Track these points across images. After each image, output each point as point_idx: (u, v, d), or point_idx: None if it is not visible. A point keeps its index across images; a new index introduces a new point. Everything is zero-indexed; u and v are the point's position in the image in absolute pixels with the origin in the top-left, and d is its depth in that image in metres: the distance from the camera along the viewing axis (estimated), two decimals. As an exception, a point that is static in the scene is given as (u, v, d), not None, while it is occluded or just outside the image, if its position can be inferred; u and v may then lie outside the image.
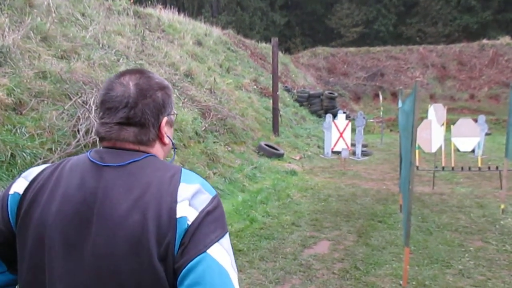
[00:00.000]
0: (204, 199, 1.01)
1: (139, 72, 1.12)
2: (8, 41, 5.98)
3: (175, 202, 0.97)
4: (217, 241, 0.97)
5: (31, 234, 1.02)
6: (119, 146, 1.06)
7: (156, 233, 0.94)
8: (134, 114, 1.05)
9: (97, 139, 1.14)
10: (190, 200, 0.98)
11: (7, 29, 6.28)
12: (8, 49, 5.89)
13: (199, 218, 0.97)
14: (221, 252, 0.96)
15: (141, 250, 0.94)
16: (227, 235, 1.01)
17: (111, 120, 1.05)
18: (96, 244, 0.97)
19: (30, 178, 1.08)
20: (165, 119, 1.11)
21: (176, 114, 1.25)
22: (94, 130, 1.21)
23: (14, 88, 5.25)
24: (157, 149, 1.12)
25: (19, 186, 1.08)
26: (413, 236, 5.12)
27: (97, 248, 0.96)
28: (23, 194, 1.06)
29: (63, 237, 0.99)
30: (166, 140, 1.13)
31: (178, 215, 0.96)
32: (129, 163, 1.03)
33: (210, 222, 0.98)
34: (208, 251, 0.95)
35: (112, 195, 0.98)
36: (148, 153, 1.08)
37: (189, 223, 0.96)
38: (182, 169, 1.07)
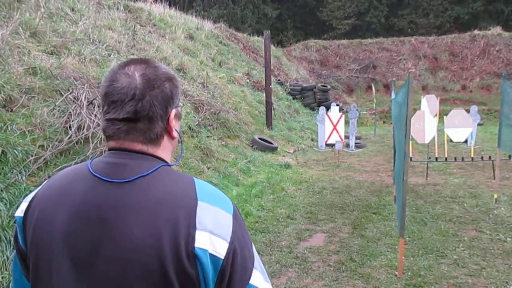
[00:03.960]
0: (227, 224, 0.96)
1: (145, 62, 1.05)
2: (-4, 37, 5.89)
3: (194, 227, 0.91)
4: (253, 267, 0.97)
5: (38, 256, 0.98)
6: (126, 147, 1.00)
7: (174, 262, 0.89)
8: (142, 107, 0.97)
9: (104, 136, 1.07)
10: (213, 230, 0.93)
11: (-5, 25, 6.19)
12: (-4, 45, 5.80)
13: (230, 251, 0.93)
14: (258, 276, 0.98)
15: (158, 279, 0.89)
16: (255, 252, 1.01)
17: (117, 116, 0.98)
18: (109, 268, 0.92)
19: (29, 198, 1.04)
20: (173, 111, 1.04)
21: (182, 106, 1.20)
22: (100, 127, 1.12)
23: (4, 85, 5.17)
24: (165, 145, 1.05)
25: (20, 209, 1.04)
26: (407, 227, 5.14)
27: (109, 272, 0.92)
28: (24, 216, 1.02)
29: (72, 259, 0.94)
30: (175, 134, 1.07)
31: (198, 245, 0.90)
32: (137, 178, 0.96)
33: (242, 250, 0.96)
34: (250, 281, 0.96)
35: (122, 215, 0.93)
36: (156, 155, 1.02)
37: (222, 257, 0.92)
38: (196, 181, 1.01)
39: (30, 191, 1.12)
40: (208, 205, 0.96)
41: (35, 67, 5.98)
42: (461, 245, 4.75)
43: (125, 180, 0.95)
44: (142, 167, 0.98)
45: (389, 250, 4.63)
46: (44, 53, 6.65)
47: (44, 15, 7.88)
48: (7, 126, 4.76)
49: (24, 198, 1.08)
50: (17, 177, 4.31)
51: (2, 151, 4.40)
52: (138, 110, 0.97)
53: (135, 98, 0.97)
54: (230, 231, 0.95)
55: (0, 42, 5.92)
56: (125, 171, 0.97)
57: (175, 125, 1.06)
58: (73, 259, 0.94)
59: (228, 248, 0.93)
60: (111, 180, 0.96)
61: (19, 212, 1.04)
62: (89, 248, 0.93)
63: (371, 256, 4.48)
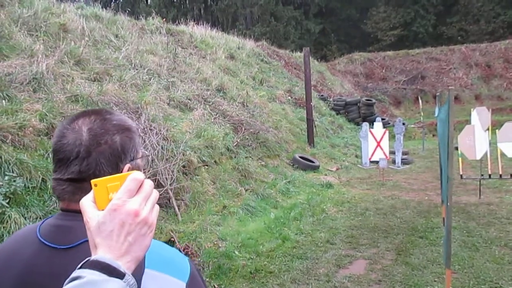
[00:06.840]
0: None
1: (95, 113, 0.98)
2: (41, 67, 6.15)
3: None
4: None
5: None
6: (73, 208, 0.94)
7: None
8: (87, 166, 0.91)
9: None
10: None
11: (40, 56, 6.47)
12: (41, 75, 6.05)
13: None
14: None
15: None
16: None
17: (62, 176, 0.92)
18: None
19: None
20: (127, 166, 0.95)
21: (147, 155, 1.12)
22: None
23: (47, 114, 5.36)
24: None
25: None
26: (457, 253, 4.78)
27: None
28: None
29: None
30: None
31: None
32: (81, 243, 0.90)
33: None
34: None
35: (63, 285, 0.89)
36: None
37: None
38: None
39: None
40: (157, 272, 0.88)
41: (77, 95, 6.17)
42: (518, 274, 4.32)
43: (68, 246, 0.91)
44: None
45: (436, 279, 4.29)
46: (87, 80, 6.88)
47: (89, 43, 8.20)
48: (48, 154, 4.89)
49: None
50: (55, 205, 4.41)
51: (42, 179, 4.53)
52: (82, 170, 0.91)
53: (80, 157, 0.91)
54: None
55: (45, 72, 6.18)
56: (70, 235, 0.92)
57: None
58: None
59: None
60: (55, 246, 0.92)
61: None
62: None
63: (416, 286, 4.16)
